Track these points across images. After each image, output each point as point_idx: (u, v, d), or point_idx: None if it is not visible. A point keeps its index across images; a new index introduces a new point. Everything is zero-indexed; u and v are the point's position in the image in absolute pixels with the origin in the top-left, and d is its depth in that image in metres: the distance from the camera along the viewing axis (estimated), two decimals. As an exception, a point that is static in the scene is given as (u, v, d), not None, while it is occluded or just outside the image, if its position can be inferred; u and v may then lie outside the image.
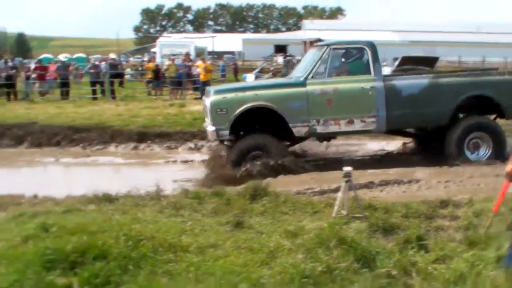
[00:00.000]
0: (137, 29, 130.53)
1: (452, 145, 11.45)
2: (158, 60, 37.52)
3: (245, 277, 5.05)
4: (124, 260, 5.23)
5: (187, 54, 32.21)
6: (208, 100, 11.51)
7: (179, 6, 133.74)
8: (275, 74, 32.44)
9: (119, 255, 5.27)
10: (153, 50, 53.51)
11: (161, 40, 55.40)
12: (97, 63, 30.04)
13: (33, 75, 29.53)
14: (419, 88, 11.34)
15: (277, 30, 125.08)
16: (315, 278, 4.99)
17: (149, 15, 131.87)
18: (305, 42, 55.51)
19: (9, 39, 46.84)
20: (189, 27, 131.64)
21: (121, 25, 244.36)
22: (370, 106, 11.20)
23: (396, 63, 14.65)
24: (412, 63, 13.69)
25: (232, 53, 62.80)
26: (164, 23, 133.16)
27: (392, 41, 61.86)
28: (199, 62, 29.88)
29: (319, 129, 11.24)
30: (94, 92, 27.24)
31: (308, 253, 5.47)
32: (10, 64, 30.41)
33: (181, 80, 27.95)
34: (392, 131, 12.46)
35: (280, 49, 65.22)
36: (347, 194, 6.92)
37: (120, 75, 30.89)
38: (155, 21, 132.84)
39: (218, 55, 60.85)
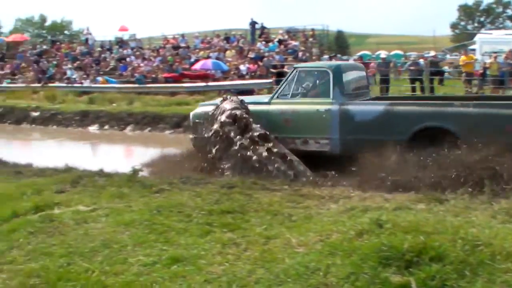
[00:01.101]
0: (453, 26, 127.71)
1: None
2: (478, 57, 36.20)
3: None
4: (461, 265, 5.03)
5: (511, 52, 30.55)
6: (191, 112, 13.35)
7: (498, 1, 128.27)
8: None
9: (456, 259, 5.09)
10: (471, 47, 51.88)
11: (481, 36, 53.33)
12: (417, 60, 29.92)
13: (353, 71, 30.31)
14: (373, 115, 11.07)
15: None
16: None
17: (467, 11, 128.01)
18: None
19: (329, 36, 48.80)
20: (508, 23, 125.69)
21: (437, 22, 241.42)
22: (324, 128, 11.38)
23: None
24: None
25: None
26: (481, 19, 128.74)
27: None
28: (523, 60, 28.24)
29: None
30: (413, 89, 27.09)
31: None
32: (333, 60, 31.57)
33: (503, 78, 26.70)
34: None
35: None
36: None
37: (440, 73, 30.29)
38: (472, 18, 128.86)
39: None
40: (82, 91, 34.72)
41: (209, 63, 32.71)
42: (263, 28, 39.55)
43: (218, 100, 12.91)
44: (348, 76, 12.29)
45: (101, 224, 7.22)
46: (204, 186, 9.15)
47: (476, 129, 9.95)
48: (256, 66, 32.42)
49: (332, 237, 6.08)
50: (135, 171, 10.28)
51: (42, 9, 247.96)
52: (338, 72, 11.70)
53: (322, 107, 11.42)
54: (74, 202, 8.39)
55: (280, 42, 36.15)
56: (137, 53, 40.87)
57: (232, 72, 32.79)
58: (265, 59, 32.73)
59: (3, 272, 5.93)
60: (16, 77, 42.80)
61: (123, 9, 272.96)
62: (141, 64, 37.69)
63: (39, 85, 37.87)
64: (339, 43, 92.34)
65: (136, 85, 33.63)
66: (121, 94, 31.42)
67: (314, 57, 33.59)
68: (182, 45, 40.59)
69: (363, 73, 13.58)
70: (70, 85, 36.84)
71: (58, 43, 53.71)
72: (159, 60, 37.82)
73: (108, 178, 10.12)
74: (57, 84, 37.52)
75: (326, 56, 34.19)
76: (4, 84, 40.89)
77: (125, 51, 42.27)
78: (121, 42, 45.67)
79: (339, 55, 38.71)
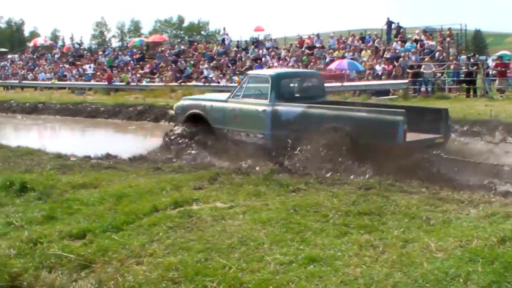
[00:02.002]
0: None
1: None
2: None
3: None
4: None
5: None
6: (175, 104, 16.95)
7: None
8: None
9: None
10: None
11: None
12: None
13: (493, 72, 29.35)
14: (293, 114, 13.04)
15: None
16: None
17: None
18: None
19: (467, 36, 47.43)
20: None
21: None
22: (260, 125, 13.57)
23: None
24: None
25: None
26: None
27: None
28: None
29: (230, 136, 14.26)
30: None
31: None
32: (471, 61, 30.68)
33: None
34: None
35: None
36: None
37: None
38: None
39: None
40: (218, 90, 35.49)
41: (344, 63, 32.44)
42: (399, 27, 38.87)
43: (200, 96, 17.20)
44: (290, 83, 14.80)
45: (238, 221, 7.36)
46: (341, 187, 9.15)
47: (365, 129, 11.68)
48: (391, 66, 32.00)
49: (473, 243, 5.93)
50: (271, 170, 10.44)
51: (180, 10, 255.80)
52: (276, 79, 13.85)
53: (260, 108, 13.63)
54: (212, 199, 8.59)
55: (417, 42, 35.44)
56: (273, 53, 41.27)
57: (367, 73, 32.52)
58: (401, 59, 32.21)
59: (143, 265, 6.16)
60: (155, 76, 44.36)
61: (258, 9, 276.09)
62: (276, 64, 38.03)
63: (176, 84, 39.03)
64: (477, 43, 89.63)
65: (271, 85, 33.86)
66: (256, 93, 31.83)
67: (451, 57, 32.71)
68: (317, 45, 40.64)
69: (317, 80, 15.65)
70: (207, 84, 37.72)
71: (195, 43, 55.15)
72: (294, 60, 38.01)
73: (244, 176, 10.29)
74: (194, 83, 38.58)
75: (463, 57, 33.12)
76: (144, 83, 42.50)
77: (260, 51, 42.84)
78: (256, 42, 46.33)
79: (477, 55, 37.31)
